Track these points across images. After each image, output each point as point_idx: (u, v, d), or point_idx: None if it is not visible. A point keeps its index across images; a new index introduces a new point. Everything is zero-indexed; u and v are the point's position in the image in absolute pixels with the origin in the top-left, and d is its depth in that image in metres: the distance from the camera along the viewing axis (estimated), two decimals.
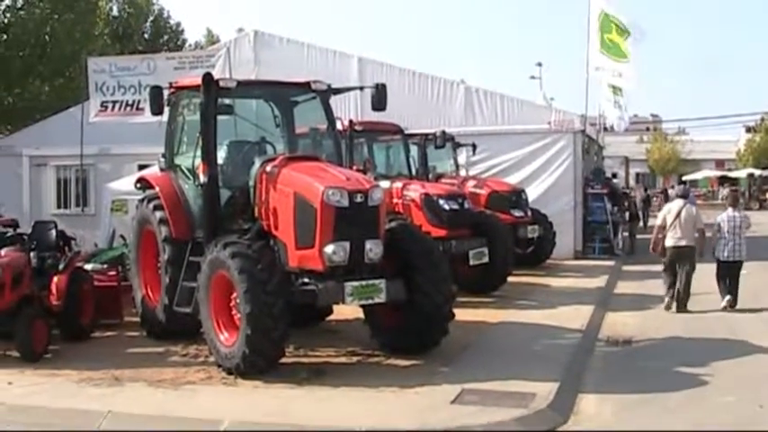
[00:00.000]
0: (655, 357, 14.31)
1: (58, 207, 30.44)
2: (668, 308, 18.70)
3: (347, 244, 12.22)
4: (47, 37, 40.16)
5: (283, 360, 12.65)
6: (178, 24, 66.19)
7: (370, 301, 12.64)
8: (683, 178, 74.90)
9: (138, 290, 15.70)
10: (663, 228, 18.86)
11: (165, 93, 14.57)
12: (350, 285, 12.25)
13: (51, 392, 12.29)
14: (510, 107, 28.39)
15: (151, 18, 63.85)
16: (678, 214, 18.61)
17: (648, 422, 10.76)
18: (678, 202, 19.07)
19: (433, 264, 13.19)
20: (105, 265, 18.73)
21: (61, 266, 15.51)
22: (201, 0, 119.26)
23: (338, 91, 15.13)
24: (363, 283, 12.37)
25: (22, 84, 39.60)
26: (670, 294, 18.77)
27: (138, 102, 24.43)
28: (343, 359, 13.68)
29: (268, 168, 13.24)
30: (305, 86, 14.62)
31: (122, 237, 20.81)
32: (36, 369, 13.61)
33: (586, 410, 11.31)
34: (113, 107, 25.07)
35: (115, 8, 60.67)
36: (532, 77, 69.30)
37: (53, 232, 16.44)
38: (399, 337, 13.41)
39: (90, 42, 43.52)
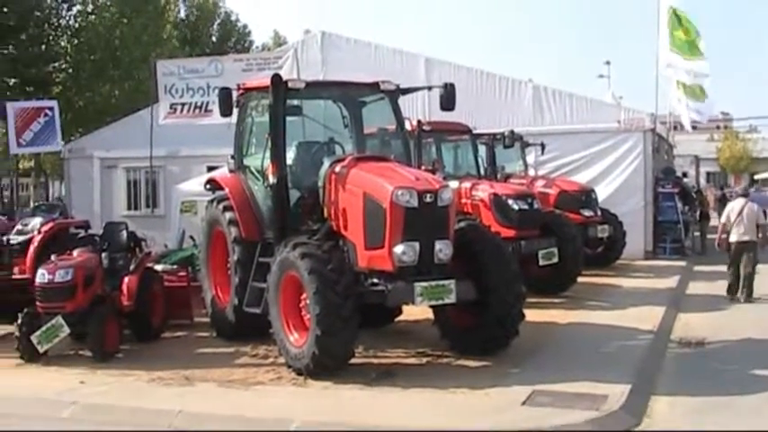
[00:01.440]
0: (728, 359, 14.06)
1: (128, 208, 30.74)
2: (732, 294, 19.83)
3: (417, 244, 12.16)
4: (117, 41, 40.64)
5: (353, 361, 12.63)
6: (245, 27, 66.82)
7: (440, 302, 12.56)
8: (755, 177, 73.75)
9: (208, 290, 15.80)
10: (726, 225, 20.05)
11: (234, 94, 14.66)
12: (419, 286, 12.18)
13: (122, 392, 12.41)
14: (579, 106, 28.11)
15: (218, 21, 64.40)
16: (740, 212, 19.86)
17: (722, 426, 10.57)
18: (740, 201, 20.46)
19: (504, 264, 13.09)
20: (175, 266, 18.88)
21: (132, 267, 15.66)
22: (268, 2, 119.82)
23: (407, 91, 15.07)
24: (433, 283, 12.29)
25: (93, 87, 40.08)
26: (735, 287, 19.87)
27: (207, 104, 24.53)
28: (412, 360, 13.62)
29: (337, 169, 13.23)
30: (374, 87, 14.60)
31: (192, 238, 20.96)
32: (107, 369, 13.77)
33: (659, 413, 11.13)
34: (182, 109, 25.19)
35: (183, 12, 61.30)
36: (601, 76, 68.65)
37: (124, 233, 16.58)
38: (469, 337, 13.32)
39: (159, 46, 44.03)
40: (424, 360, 13.56)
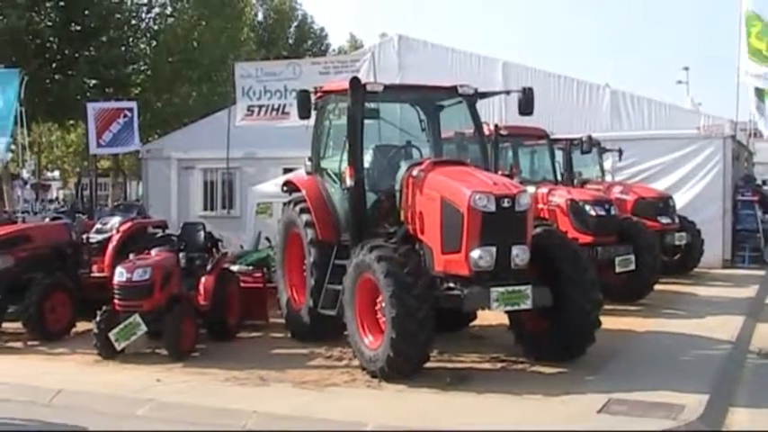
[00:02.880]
0: None
1: (205, 209, 30.99)
2: None
3: (493, 249, 12.09)
4: (195, 43, 41.03)
5: (427, 365, 12.57)
6: (322, 29, 67.06)
7: (516, 308, 12.48)
8: None
9: (284, 292, 15.87)
10: None
11: (312, 97, 14.72)
12: (496, 291, 12.12)
13: (198, 390, 12.49)
14: (657, 112, 27.78)
15: (295, 23, 64.69)
16: None
17: None
18: None
19: (581, 270, 12.96)
20: (251, 267, 19.00)
21: (209, 267, 15.79)
22: (344, 5, 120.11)
23: (485, 95, 15.00)
24: (509, 289, 12.21)
25: (171, 88, 40.48)
26: None
27: (284, 106, 24.64)
28: (487, 365, 13.55)
29: (414, 172, 13.23)
30: (452, 90, 14.56)
31: (267, 239, 21.08)
32: (184, 367, 13.89)
33: (738, 425, 10.94)
34: (259, 111, 25.34)
35: (260, 14, 61.74)
36: (679, 82, 67.75)
37: (201, 233, 16.73)
38: (544, 344, 13.20)
39: (236, 48, 44.37)
40: (499, 365, 13.49)
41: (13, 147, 35.76)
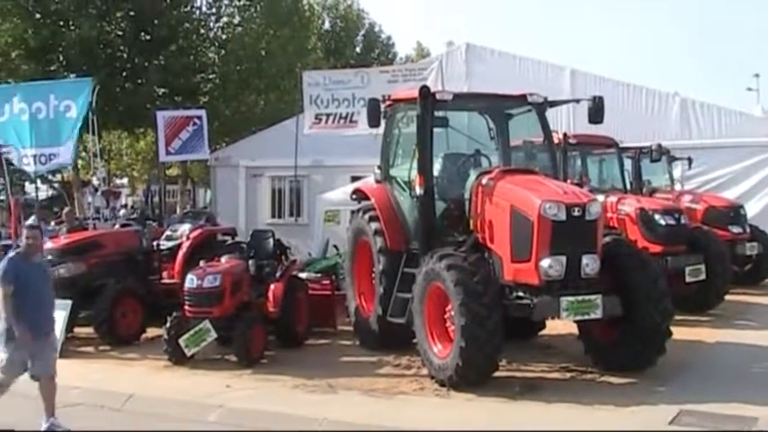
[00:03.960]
0: None
1: (272, 216, 31.13)
2: None
3: (564, 258, 12.05)
4: (263, 52, 41.20)
5: (496, 374, 12.55)
6: (389, 38, 67.00)
7: (586, 317, 12.42)
8: None
9: (352, 299, 15.93)
10: None
11: (382, 105, 14.76)
12: (565, 300, 12.07)
13: (267, 397, 12.62)
14: (727, 119, 27.39)
15: (362, 32, 64.76)
16: None
17: None
18: None
19: (651, 280, 12.84)
20: (319, 275, 19.07)
21: (278, 275, 15.88)
22: (411, 14, 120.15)
23: (554, 104, 14.98)
24: (579, 298, 12.15)
25: (239, 97, 40.72)
26: None
27: (352, 114, 24.68)
28: (556, 375, 13.49)
29: (484, 181, 13.22)
30: (521, 99, 14.53)
31: (335, 246, 21.16)
32: (253, 374, 14.02)
33: None
34: (327, 120, 25.38)
35: (327, 23, 61.92)
36: (749, 89, 66.81)
37: (270, 241, 16.86)
38: (614, 354, 13.09)
39: (303, 57, 44.55)
40: (568, 375, 13.42)
41: (83, 154, 36.35)
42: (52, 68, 35.44)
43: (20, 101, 18.24)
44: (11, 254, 11.72)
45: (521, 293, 12.45)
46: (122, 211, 40.61)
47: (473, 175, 13.70)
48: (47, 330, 11.51)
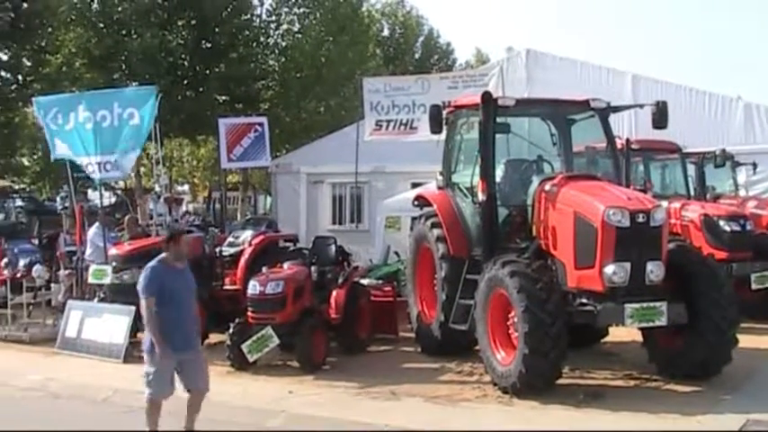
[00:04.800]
0: None
1: (333, 223, 31.16)
2: None
3: (628, 265, 11.97)
4: (322, 59, 41.33)
5: (559, 381, 12.50)
6: (448, 44, 66.89)
7: (651, 325, 12.32)
8: None
9: (414, 306, 15.92)
10: None
11: (443, 112, 14.75)
12: (630, 307, 11.98)
13: (330, 403, 12.65)
14: None
15: (421, 38, 64.73)
16: None
17: None
18: None
19: (717, 287, 12.70)
20: (381, 281, 19.08)
21: (340, 281, 15.92)
22: (470, 19, 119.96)
23: (617, 109, 14.89)
24: (644, 305, 12.06)
25: (300, 103, 40.89)
26: None
27: (412, 121, 24.62)
28: (619, 382, 13.39)
29: (546, 187, 13.17)
30: (583, 104, 14.47)
31: (396, 253, 21.16)
32: (315, 380, 14.08)
33: None
34: (387, 126, 25.34)
35: (386, 29, 61.98)
36: None
37: (333, 247, 16.90)
38: (679, 362, 12.96)
39: (363, 63, 44.61)
40: (632, 383, 13.32)
41: (144, 161, 36.70)
42: (115, 77, 35.87)
43: (85, 109, 18.41)
44: (153, 262, 10.80)
45: (584, 300, 12.38)
46: (185, 218, 40.85)
47: (536, 181, 13.66)
48: (194, 343, 10.95)
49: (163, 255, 10.81)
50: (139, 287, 10.58)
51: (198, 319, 11.39)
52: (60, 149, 19.23)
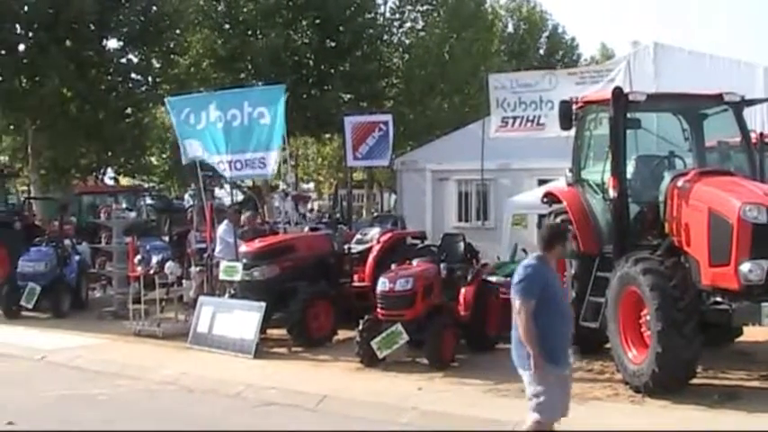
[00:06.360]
0: None
1: (459, 220, 31.16)
2: None
3: (765, 263, 11.63)
4: (446, 55, 41.38)
5: (693, 381, 12.29)
6: (573, 39, 66.26)
7: None
8: None
9: None
10: None
11: (573, 107, 14.63)
12: (767, 306, 11.68)
13: (459, 400, 12.66)
14: None
15: (546, 34, 64.26)
16: None
17: None
18: None
19: None
20: (508, 278, 18.94)
21: (469, 278, 15.89)
22: (595, 14, 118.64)
23: (751, 102, 14.63)
24: None
25: (424, 101, 40.97)
26: None
27: (539, 117, 24.37)
28: (755, 383, 13.10)
29: (679, 183, 12.93)
30: (717, 98, 14.18)
31: (524, 250, 21.01)
32: (444, 377, 14.09)
33: None
34: (514, 123, 25.12)
35: (510, 25, 61.70)
36: None
37: (461, 245, 16.88)
38: None
39: (487, 60, 44.46)
40: None
41: None
42: (241, 77, 36.53)
43: (216, 108, 18.70)
44: (529, 260, 9.26)
45: (718, 299, 12.11)
46: (311, 215, 41.36)
47: (667, 177, 13.41)
48: (570, 359, 9.37)
49: (541, 253, 9.23)
50: (517, 288, 8.93)
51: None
52: (192, 151, 19.54)
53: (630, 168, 14.07)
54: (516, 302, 8.87)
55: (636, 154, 14.47)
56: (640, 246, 13.17)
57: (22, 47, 34.87)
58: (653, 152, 14.78)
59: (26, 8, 33.55)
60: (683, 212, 12.73)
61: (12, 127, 39.01)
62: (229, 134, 18.48)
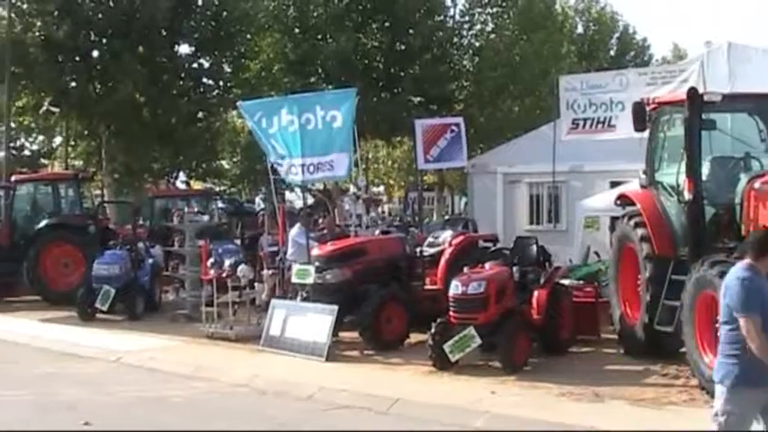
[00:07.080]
0: None
1: (531, 223, 30.91)
2: None
3: None
4: (517, 58, 41.17)
5: None
6: (644, 40, 65.56)
7: None
8: None
9: (617, 307, 15.69)
10: None
11: (646, 108, 14.50)
12: None
13: (533, 404, 12.60)
14: None
15: (616, 35, 63.67)
16: None
17: None
18: None
19: None
20: (581, 281, 18.86)
21: (541, 281, 15.82)
22: (667, 14, 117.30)
23: None
24: None
25: (494, 103, 40.82)
26: None
27: (610, 119, 24.16)
28: None
29: (756, 185, 12.76)
30: None
31: (596, 253, 20.89)
32: (517, 380, 14.02)
33: None
34: (584, 125, 24.94)
35: (580, 26, 61.24)
36: None
37: (534, 248, 16.79)
38: None
39: (557, 61, 44.18)
40: None
41: None
42: (311, 81, 36.65)
43: (288, 112, 18.74)
44: (742, 271, 8.26)
45: None
46: (383, 219, 41.47)
47: (744, 178, 13.23)
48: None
49: (750, 261, 8.35)
50: (738, 301, 8.10)
51: None
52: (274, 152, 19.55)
53: (705, 170, 13.91)
54: (741, 320, 8.04)
55: (711, 155, 14.28)
56: (716, 248, 13.01)
57: (95, 53, 35.45)
58: (728, 153, 14.58)
59: (100, 15, 34.08)
60: (759, 214, 12.54)
61: (86, 132, 39.64)
62: (304, 137, 18.49)
